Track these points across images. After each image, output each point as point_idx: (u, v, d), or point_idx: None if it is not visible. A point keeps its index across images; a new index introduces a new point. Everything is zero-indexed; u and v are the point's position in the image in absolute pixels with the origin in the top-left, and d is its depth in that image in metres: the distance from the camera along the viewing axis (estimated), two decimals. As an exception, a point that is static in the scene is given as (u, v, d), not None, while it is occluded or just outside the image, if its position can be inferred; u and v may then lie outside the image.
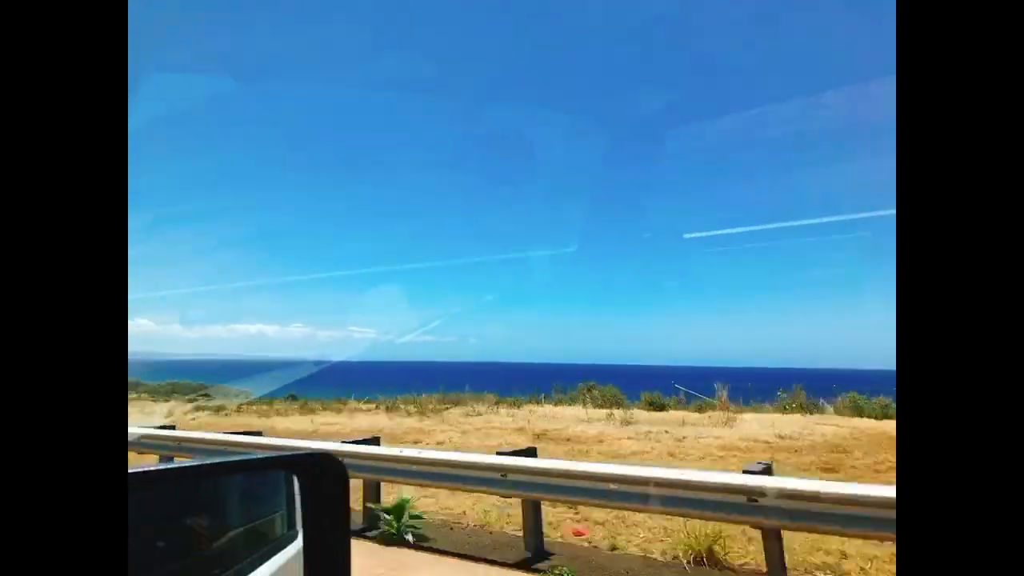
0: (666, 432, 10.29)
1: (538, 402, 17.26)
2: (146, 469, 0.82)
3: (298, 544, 1.26)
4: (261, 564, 1.18)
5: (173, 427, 8.58)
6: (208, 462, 0.98)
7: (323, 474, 1.02)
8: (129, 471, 0.77)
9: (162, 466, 0.89)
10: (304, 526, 1.04)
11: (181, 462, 1.00)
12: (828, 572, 4.04)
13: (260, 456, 1.08)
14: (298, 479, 1.08)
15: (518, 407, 16.20)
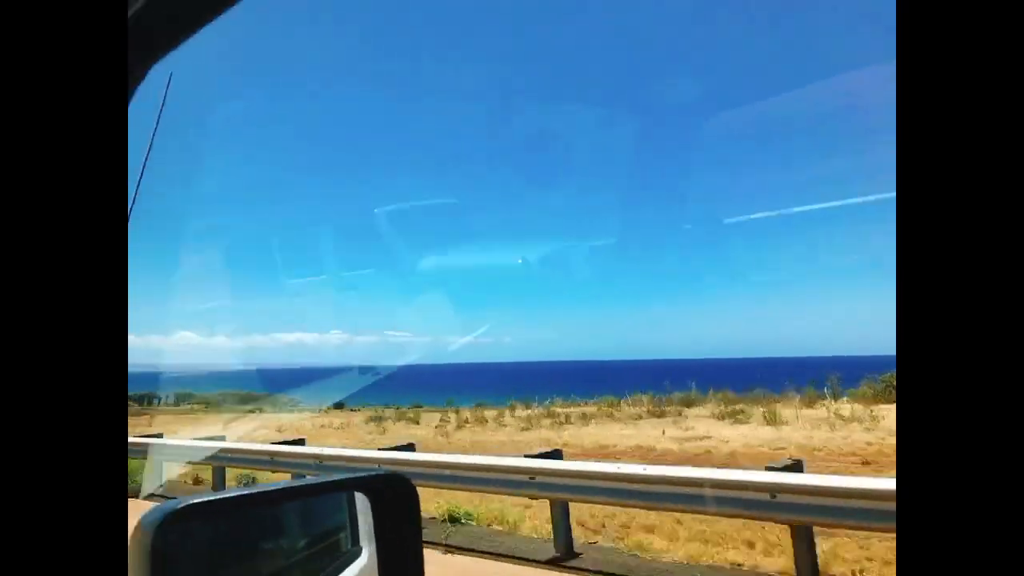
0: None
1: (813, 400, 14.54)
2: (232, 495, 0.90)
3: (363, 560, 1.34)
4: None
5: (412, 447, 7.66)
6: (286, 485, 1.06)
7: (394, 495, 1.05)
8: (216, 497, 0.85)
9: (245, 491, 0.96)
10: (378, 548, 1.07)
11: (263, 485, 1.06)
12: None
13: (334, 479, 1.12)
14: (370, 500, 1.11)
15: (810, 406, 13.54)
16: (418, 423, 17.07)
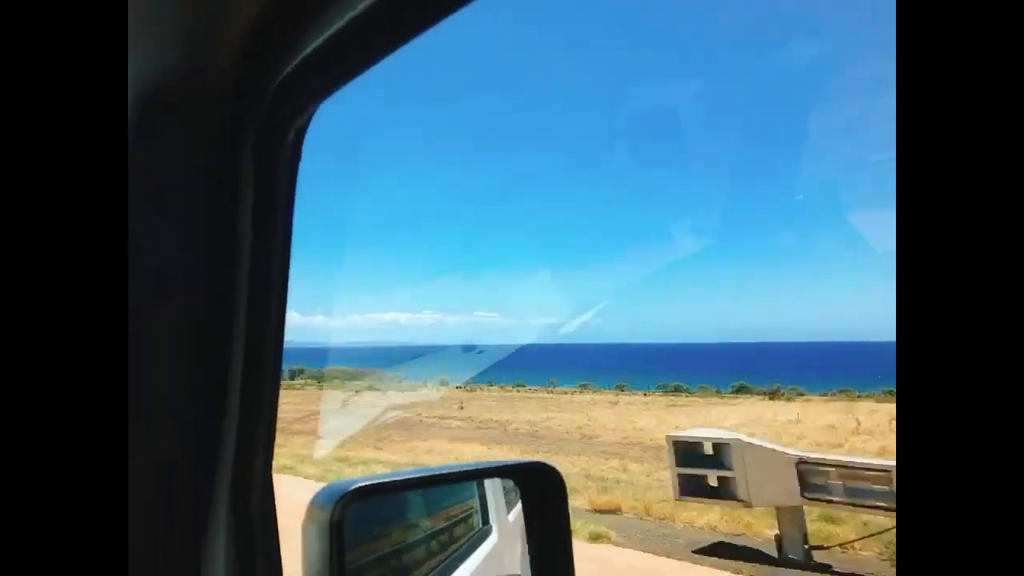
0: None
1: None
2: (397, 478, 0.99)
3: (493, 539, 1.46)
4: (467, 557, 1.32)
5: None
6: (444, 470, 1.12)
7: (543, 484, 1.09)
8: (384, 480, 0.94)
9: (408, 474, 1.04)
10: (528, 533, 1.13)
11: (418, 470, 1.17)
12: None
13: (487, 465, 1.20)
14: (520, 488, 1.17)
15: None
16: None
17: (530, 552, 1.09)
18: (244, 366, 0.71)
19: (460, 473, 1.25)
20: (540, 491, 1.09)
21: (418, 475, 1.08)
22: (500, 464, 1.20)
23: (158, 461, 0.65)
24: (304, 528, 0.79)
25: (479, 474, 1.33)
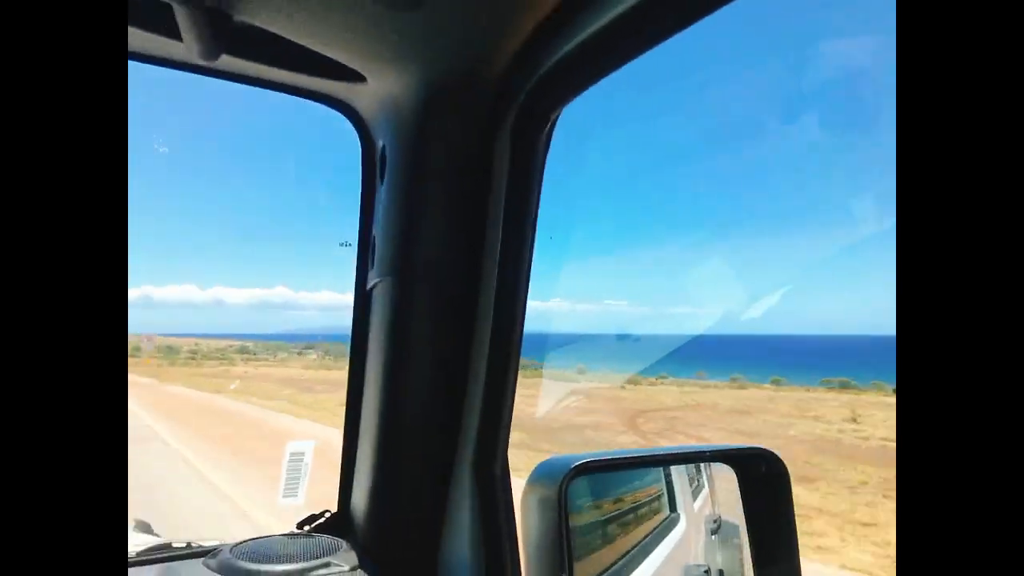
0: None
1: None
2: (616, 456, 0.99)
3: (682, 527, 1.41)
4: (657, 543, 1.29)
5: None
6: (656, 452, 1.08)
7: (763, 470, 1.06)
8: (605, 457, 0.95)
9: (623, 453, 1.04)
10: (747, 520, 1.09)
11: (628, 450, 1.16)
12: None
13: (700, 448, 1.17)
14: (737, 474, 1.13)
15: None
16: None
17: (750, 540, 1.06)
18: (491, 346, 0.79)
19: (677, 455, 1.22)
20: (758, 477, 1.06)
21: (633, 455, 1.06)
22: (716, 448, 1.16)
23: (418, 426, 0.78)
24: (525, 501, 0.82)
25: (695, 457, 1.29)
